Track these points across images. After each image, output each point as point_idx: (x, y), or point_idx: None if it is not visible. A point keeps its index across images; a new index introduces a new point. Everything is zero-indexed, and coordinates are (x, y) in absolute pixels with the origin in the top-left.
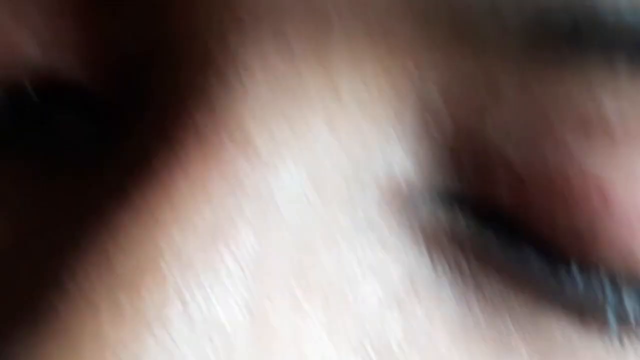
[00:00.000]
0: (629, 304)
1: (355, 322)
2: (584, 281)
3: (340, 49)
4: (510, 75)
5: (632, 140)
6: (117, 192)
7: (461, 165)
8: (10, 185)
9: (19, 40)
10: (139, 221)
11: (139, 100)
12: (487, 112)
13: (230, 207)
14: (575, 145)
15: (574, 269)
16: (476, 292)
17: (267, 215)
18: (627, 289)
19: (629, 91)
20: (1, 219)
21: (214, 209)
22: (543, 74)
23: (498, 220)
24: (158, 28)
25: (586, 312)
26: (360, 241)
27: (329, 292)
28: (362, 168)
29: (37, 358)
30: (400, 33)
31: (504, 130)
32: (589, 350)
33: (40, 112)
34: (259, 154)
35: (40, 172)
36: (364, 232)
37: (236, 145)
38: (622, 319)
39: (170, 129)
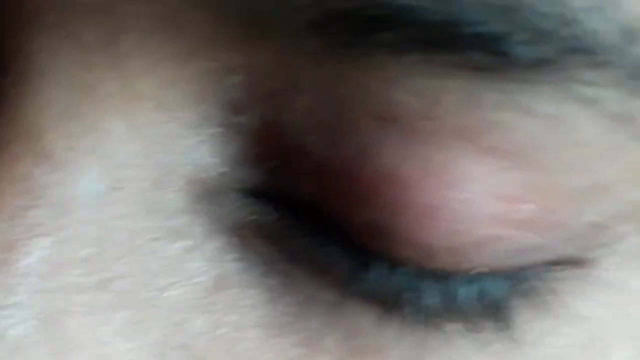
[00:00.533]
0: (429, 297)
1: (159, 325)
2: (386, 275)
3: (137, 52)
4: (310, 70)
5: (426, 136)
6: None
7: (267, 160)
8: None
9: None
10: None
11: None
12: (289, 107)
13: (27, 218)
14: (372, 140)
15: (376, 262)
16: (285, 286)
17: (67, 224)
18: (426, 282)
19: (421, 88)
20: None
21: (9, 222)
22: (340, 70)
23: (305, 214)
24: None
25: (389, 305)
26: (165, 244)
27: (131, 298)
28: (167, 170)
29: None
30: (199, 34)
31: (306, 125)
32: (394, 343)
33: None
34: (56, 160)
35: None
36: (169, 234)
37: (31, 152)
38: (422, 312)
39: None
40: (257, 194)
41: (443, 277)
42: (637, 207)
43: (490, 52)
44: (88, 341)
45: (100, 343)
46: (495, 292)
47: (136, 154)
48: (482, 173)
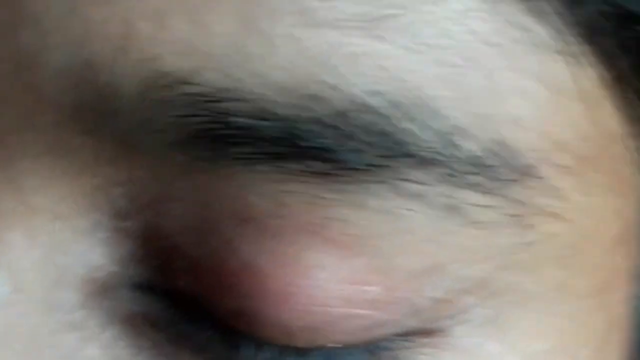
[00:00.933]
0: None
1: None
2: (254, 353)
3: (31, 173)
4: (180, 181)
5: (277, 232)
6: None
7: (151, 259)
8: None
9: None
10: None
11: None
12: (165, 214)
13: None
14: (233, 238)
15: (245, 342)
16: None
17: None
18: (290, 359)
19: (270, 192)
20: None
21: None
22: (205, 179)
23: (184, 303)
24: None
25: None
26: (63, 336)
27: None
28: (64, 271)
29: None
30: (84, 155)
31: (180, 228)
32: None
33: None
34: None
35: None
36: (67, 328)
37: None
38: None
39: None
40: (144, 288)
41: (304, 353)
42: (474, 283)
43: (326, 160)
44: None
45: None
46: None
47: (35, 260)
48: (328, 262)
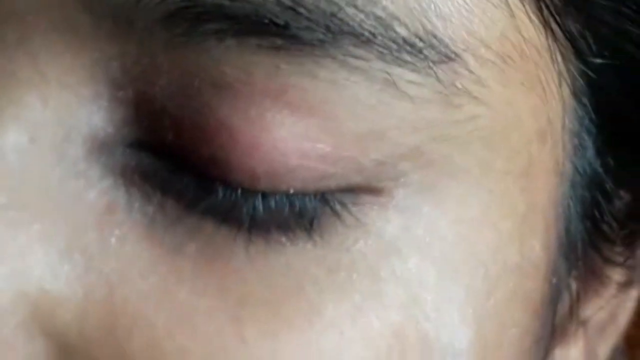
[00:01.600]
0: (257, 211)
1: (66, 231)
2: (228, 196)
3: (44, 46)
4: (164, 55)
5: (245, 96)
6: None
7: (142, 121)
8: None
9: None
10: None
11: None
12: (153, 83)
13: None
14: (210, 101)
15: (219, 187)
16: (158, 211)
17: None
18: (255, 200)
19: (239, 63)
20: None
21: None
22: (185, 52)
23: (170, 157)
24: None
25: (229, 218)
26: (69, 181)
27: (45, 214)
28: (71, 130)
29: None
30: (86, 32)
31: (167, 93)
32: (233, 248)
33: None
34: None
35: None
36: (73, 176)
37: None
38: (255, 219)
39: None
40: (136, 146)
41: (266, 196)
42: (410, 150)
43: (283, 36)
44: (8, 250)
45: (19, 252)
46: (307, 207)
47: (48, 119)
48: (287, 121)
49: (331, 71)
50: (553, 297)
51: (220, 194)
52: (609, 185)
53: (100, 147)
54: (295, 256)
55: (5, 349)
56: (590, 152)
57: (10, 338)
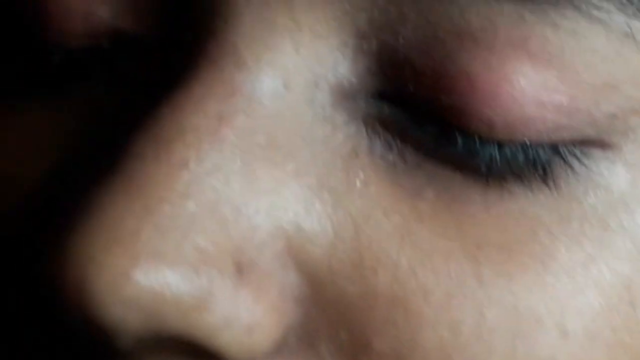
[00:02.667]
0: (493, 159)
1: (316, 171)
2: (466, 144)
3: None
4: (411, 6)
5: (488, 45)
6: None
7: (384, 70)
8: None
9: (96, 8)
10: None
11: (172, 38)
12: (398, 32)
13: (232, 100)
14: (453, 49)
15: (458, 135)
16: (398, 156)
17: (255, 106)
18: (491, 146)
19: (483, 12)
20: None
21: (222, 104)
22: (431, 3)
23: (411, 105)
24: None
25: (467, 166)
26: (318, 126)
27: (297, 154)
28: (319, 78)
29: None
30: None
31: (410, 44)
32: (472, 194)
33: (109, 57)
34: (249, 67)
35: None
36: (321, 120)
37: (232, 63)
38: (491, 167)
39: (192, 59)
40: (378, 95)
41: (502, 145)
42: None
43: None
44: (267, 186)
45: (278, 184)
46: (541, 157)
47: (300, 66)
48: (527, 70)
49: (573, 21)
50: None
51: (460, 142)
52: None
53: (345, 95)
54: (528, 203)
55: (263, 278)
56: None
57: (268, 268)
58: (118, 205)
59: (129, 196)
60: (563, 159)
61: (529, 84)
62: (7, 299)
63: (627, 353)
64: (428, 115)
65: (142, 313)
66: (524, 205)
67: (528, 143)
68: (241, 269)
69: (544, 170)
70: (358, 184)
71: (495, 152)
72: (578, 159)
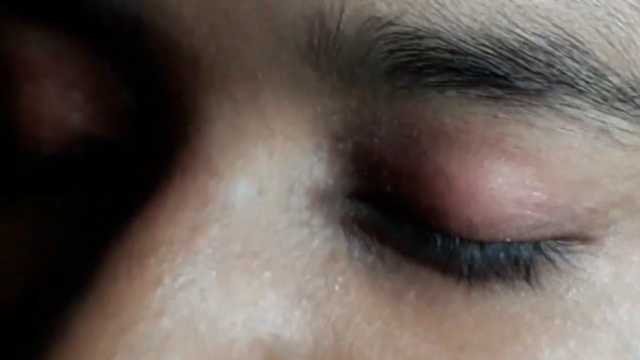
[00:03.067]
0: (475, 260)
1: (295, 280)
2: (447, 245)
3: (271, 101)
4: (385, 108)
5: (463, 145)
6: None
7: (361, 172)
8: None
9: (67, 115)
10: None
11: (144, 146)
12: (373, 134)
13: (205, 210)
14: (429, 150)
15: (437, 236)
16: (379, 260)
17: (230, 214)
18: (472, 249)
19: (458, 113)
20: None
21: (195, 214)
22: (405, 105)
23: (389, 207)
24: (154, 86)
25: (448, 266)
26: (295, 230)
27: (274, 261)
28: (294, 181)
29: None
30: (310, 87)
31: (385, 144)
32: (453, 296)
33: (80, 164)
34: (222, 176)
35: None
36: (297, 225)
37: (208, 174)
38: (473, 267)
39: (165, 168)
40: (354, 196)
41: (483, 245)
42: (621, 197)
43: (502, 87)
44: (249, 294)
45: (255, 292)
46: (523, 255)
47: (273, 171)
48: (504, 169)
49: (548, 120)
50: None
51: (439, 242)
52: None
53: (321, 198)
54: (510, 302)
55: None
56: None
57: None
58: (92, 326)
59: (103, 317)
60: (545, 255)
61: (507, 183)
62: None
63: None
64: (406, 216)
65: None
66: (506, 304)
67: (509, 241)
68: None
69: (527, 268)
70: (337, 288)
71: (477, 252)
72: (560, 254)
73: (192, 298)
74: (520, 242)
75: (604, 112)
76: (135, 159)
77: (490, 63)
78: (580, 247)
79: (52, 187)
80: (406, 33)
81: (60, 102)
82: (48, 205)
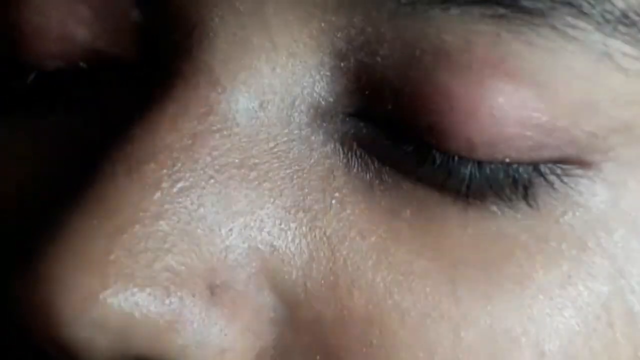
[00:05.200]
0: (473, 178)
1: (291, 191)
2: (445, 163)
3: (276, 14)
4: (387, 26)
5: (465, 64)
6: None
7: (362, 90)
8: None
9: (73, 30)
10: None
11: (149, 60)
12: (376, 52)
13: (207, 119)
14: (430, 68)
15: (437, 155)
16: (378, 179)
17: (230, 125)
18: (471, 168)
19: (461, 31)
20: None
21: (196, 123)
22: (407, 23)
23: (388, 125)
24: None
25: (446, 185)
26: (295, 144)
27: (272, 174)
28: (295, 96)
29: None
30: (315, 3)
31: (388, 63)
32: (450, 214)
33: (85, 77)
34: (224, 88)
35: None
36: (298, 140)
37: (207, 82)
38: (471, 186)
39: (167, 79)
40: (356, 115)
41: (481, 165)
42: (621, 124)
43: (507, 5)
44: (246, 202)
45: (254, 202)
46: (522, 175)
47: (276, 86)
48: (506, 89)
49: (550, 40)
50: None
51: (438, 161)
52: None
53: (322, 115)
54: (507, 223)
55: (237, 299)
56: None
57: (242, 289)
58: (89, 225)
59: (100, 216)
60: (544, 177)
61: (508, 103)
62: None
63: None
64: (406, 135)
65: (110, 334)
66: (502, 224)
67: (508, 161)
68: (214, 290)
69: (525, 189)
70: (334, 203)
71: (475, 171)
72: (559, 177)
73: (190, 204)
74: (520, 164)
75: (607, 35)
76: (140, 71)
77: None
78: (578, 171)
79: (57, 100)
80: None
81: (66, 16)
82: (53, 117)
